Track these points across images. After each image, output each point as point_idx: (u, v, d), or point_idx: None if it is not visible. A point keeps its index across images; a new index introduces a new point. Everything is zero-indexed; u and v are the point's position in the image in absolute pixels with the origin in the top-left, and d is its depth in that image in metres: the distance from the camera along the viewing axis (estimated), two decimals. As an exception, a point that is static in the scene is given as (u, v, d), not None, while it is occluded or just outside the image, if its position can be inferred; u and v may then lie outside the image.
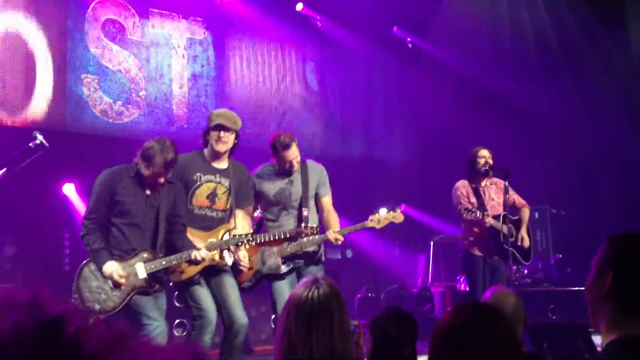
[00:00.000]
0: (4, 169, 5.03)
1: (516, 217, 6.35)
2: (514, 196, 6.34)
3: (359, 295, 8.48)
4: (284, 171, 5.05)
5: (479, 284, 6.07)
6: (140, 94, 8.63)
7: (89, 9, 8.24)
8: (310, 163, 5.26)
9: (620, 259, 1.68)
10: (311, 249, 5.02)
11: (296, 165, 5.05)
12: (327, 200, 5.18)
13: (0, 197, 6.33)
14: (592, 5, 10.09)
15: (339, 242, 4.98)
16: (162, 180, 4.34)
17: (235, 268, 4.77)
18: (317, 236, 4.91)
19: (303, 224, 4.82)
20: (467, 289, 6.74)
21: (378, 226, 5.11)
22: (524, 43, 10.38)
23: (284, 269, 4.91)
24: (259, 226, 5.22)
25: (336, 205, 5.69)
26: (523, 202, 6.43)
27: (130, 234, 4.32)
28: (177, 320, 6.64)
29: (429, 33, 10.89)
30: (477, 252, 6.21)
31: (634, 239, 1.74)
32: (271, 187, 5.04)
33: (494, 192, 6.31)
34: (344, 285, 8.01)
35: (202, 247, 4.39)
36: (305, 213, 5.00)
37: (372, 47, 10.94)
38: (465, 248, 6.34)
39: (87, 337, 0.80)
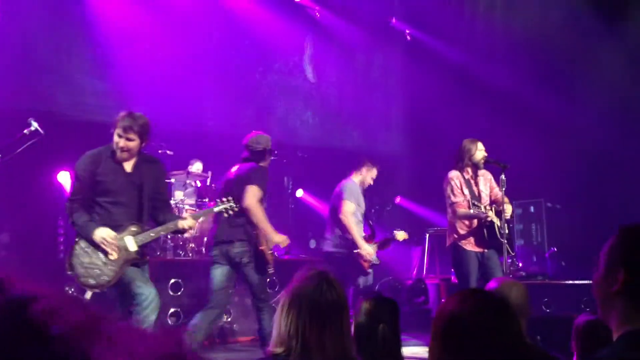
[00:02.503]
0: (-1, 156, 5.01)
1: (499, 209, 6.26)
2: (496, 189, 6.28)
3: (353, 287, 8.48)
4: (364, 186, 6.80)
5: (472, 280, 5.99)
6: (142, 84, 8.59)
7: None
8: None
9: (632, 254, 1.61)
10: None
11: None
12: None
13: (-5, 183, 6.31)
14: (591, 3, 10.08)
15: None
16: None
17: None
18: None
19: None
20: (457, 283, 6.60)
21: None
22: (522, 37, 10.36)
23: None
24: None
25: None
26: (502, 194, 6.31)
27: (116, 211, 4.40)
28: (172, 310, 6.63)
29: (428, 25, 10.86)
30: (469, 247, 6.10)
31: None
32: (361, 198, 6.65)
33: (482, 183, 6.26)
34: (340, 276, 8.01)
35: (187, 216, 4.61)
36: (370, 222, 6.85)
37: (371, 39, 10.91)
38: (454, 242, 6.12)
39: (56, 318, 0.75)
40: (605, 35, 10.10)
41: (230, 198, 4.90)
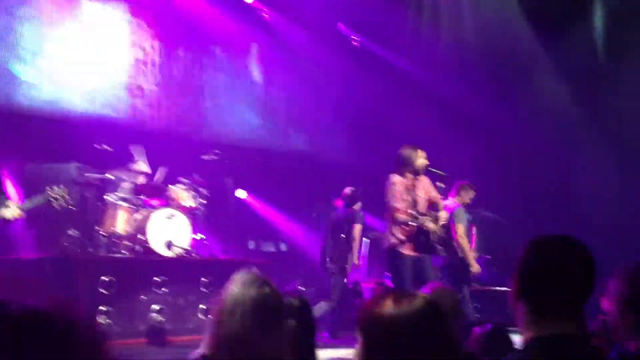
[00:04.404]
0: None
1: (436, 213, 6.44)
2: (433, 192, 6.48)
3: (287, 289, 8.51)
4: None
5: (407, 283, 6.10)
6: (79, 77, 8.42)
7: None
8: None
9: (525, 262, 1.75)
10: None
11: None
12: None
13: None
14: (536, 13, 10.35)
15: None
16: None
17: None
18: None
19: None
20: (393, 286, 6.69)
21: None
22: (466, 46, 10.58)
23: None
24: None
25: (275, 199, 5.81)
26: (440, 196, 6.57)
27: None
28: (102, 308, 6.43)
29: (375, 31, 10.97)
30: (407, 251, 6.22)
31: (543, 243, 1.79)
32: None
33: (420, 189, 6.41)
34: (278, 278, 7.99)
35: (11, 204, 4.28)
36: None
37: (318, 42, 10.95)
38: (391, 247, 6.26)
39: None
40: (545, 49, 10.40)
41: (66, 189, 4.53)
